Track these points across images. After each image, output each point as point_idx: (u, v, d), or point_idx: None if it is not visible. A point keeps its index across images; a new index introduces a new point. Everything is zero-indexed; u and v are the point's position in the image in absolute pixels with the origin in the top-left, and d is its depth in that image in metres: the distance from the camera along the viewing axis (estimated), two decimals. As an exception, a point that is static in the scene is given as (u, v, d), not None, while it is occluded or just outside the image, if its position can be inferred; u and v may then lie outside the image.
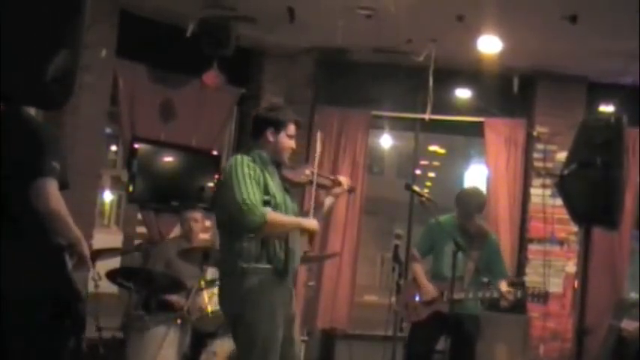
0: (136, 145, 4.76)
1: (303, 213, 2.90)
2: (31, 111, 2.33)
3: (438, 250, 3.91)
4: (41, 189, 2.17)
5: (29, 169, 2.18)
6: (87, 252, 2.35)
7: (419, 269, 4.00)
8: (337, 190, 2.95)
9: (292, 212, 2.77)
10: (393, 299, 3.56)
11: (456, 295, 3.56)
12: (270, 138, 2.72)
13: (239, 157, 2.69)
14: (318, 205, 2.93)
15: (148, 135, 4.87)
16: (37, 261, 2.23)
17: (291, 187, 2.82)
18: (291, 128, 2.76)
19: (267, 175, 2.68)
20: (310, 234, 2.71)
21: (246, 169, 2.62)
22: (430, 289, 3.86)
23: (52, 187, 2.19)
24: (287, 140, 2.75)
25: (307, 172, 2.85)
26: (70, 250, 2.29)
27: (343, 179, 2.98)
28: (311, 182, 2.84)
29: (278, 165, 2.76)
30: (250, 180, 2.59)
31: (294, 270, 2.77)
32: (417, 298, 3.90)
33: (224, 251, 2.72)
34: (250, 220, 2.53)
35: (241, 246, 2.61)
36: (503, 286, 3.75)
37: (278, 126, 2.74)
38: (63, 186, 2.29)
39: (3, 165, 2.15)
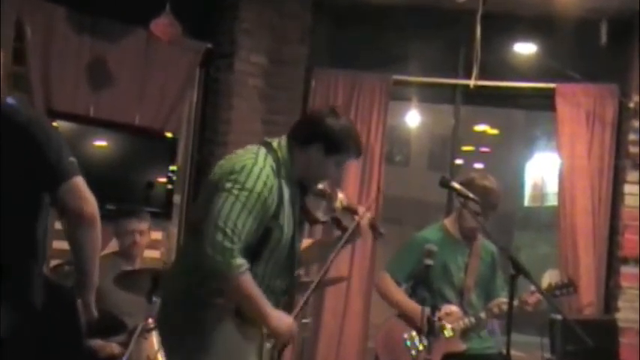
0: (54, 123, 4.52)
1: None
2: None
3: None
4: (78, 189, 2.45)
5: (45, 175, 2.44)
6: (92, 299, 2.56)
7: (400, 294, 4.09)
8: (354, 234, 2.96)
9: (294, 256, 2.83)
10: (414, 348, 3.72)
11: (462, 324, 3.91)
12: (314, 155, 2.77)
13: (262, 155, 2.71)
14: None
15: (71, 109, 4.82)
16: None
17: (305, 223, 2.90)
18: (346, 158, 2.85)
19: (284, 194, 2.71)
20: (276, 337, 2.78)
21: (260, 184, 2.64)
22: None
23: (85, 185, 2.47)
24: (334, 169, 2.83)
25: (336, 204, 2.89)
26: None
27: (362, 211, 2.95)
28: (336, 222, 2.90)
29: (302, 188, 2.82)
30: (255, 203, 2.63)
31: None
32: (413, 351, 3.94)
33: (181, 269, 2.78)
34: (217, 261, 2.59)
35: (207, 272, 2.66)
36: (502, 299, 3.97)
37: (334, 147, 2.78)
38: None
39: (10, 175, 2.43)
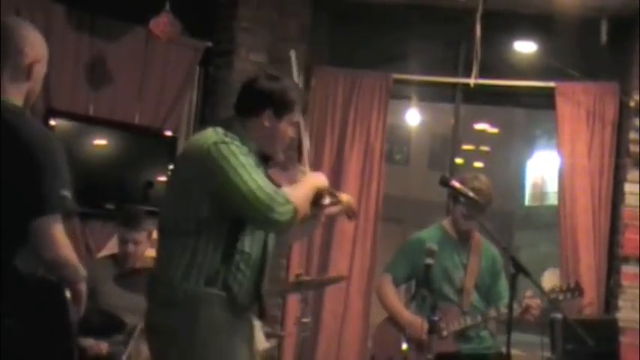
0: (53, 122, 4.71)
1: None
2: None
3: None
4: (46, 233, 2.27)
5: (28, 203, 2.27)
6: (84, 290, 2.45)
7: (396, 301, 4.12)
8: (333, 209, 2.98)
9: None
10: (404, 346, 3.76)
11: (457, 325, 3.90)
12: (267, 122, 2.75)
13: (220, 132, 2.67)
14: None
15: (70, 107, 4.84)
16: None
17: None
18: (297, 114, 2.82)
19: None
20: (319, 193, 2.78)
21: (242, 149, 2.64)
22: (420, 323, 3.83)
23: (57, 228, 2.29)
24: (289, 130, 2.80)
25: (301, 172, 2.90)
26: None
27: (346, 198, 3.01)
28: None
29: (265, 159, 2.80)
30: (247, 156, 2.63)
31: (266, 295, 2.80)
32: (404, 344, 3.96)
33: (160, 268, 2.71)
34: (280, 214, 2.58)
35: (192, 260, 2.61)
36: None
37: (282, 108, 2.76)
38: (69, 214, 2.40)
39: None
